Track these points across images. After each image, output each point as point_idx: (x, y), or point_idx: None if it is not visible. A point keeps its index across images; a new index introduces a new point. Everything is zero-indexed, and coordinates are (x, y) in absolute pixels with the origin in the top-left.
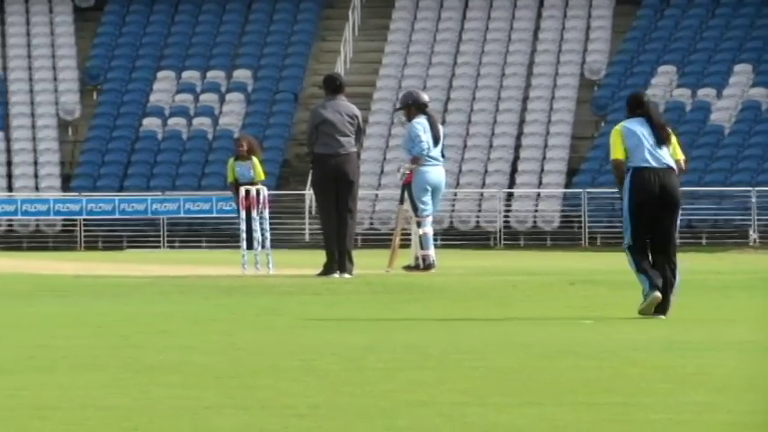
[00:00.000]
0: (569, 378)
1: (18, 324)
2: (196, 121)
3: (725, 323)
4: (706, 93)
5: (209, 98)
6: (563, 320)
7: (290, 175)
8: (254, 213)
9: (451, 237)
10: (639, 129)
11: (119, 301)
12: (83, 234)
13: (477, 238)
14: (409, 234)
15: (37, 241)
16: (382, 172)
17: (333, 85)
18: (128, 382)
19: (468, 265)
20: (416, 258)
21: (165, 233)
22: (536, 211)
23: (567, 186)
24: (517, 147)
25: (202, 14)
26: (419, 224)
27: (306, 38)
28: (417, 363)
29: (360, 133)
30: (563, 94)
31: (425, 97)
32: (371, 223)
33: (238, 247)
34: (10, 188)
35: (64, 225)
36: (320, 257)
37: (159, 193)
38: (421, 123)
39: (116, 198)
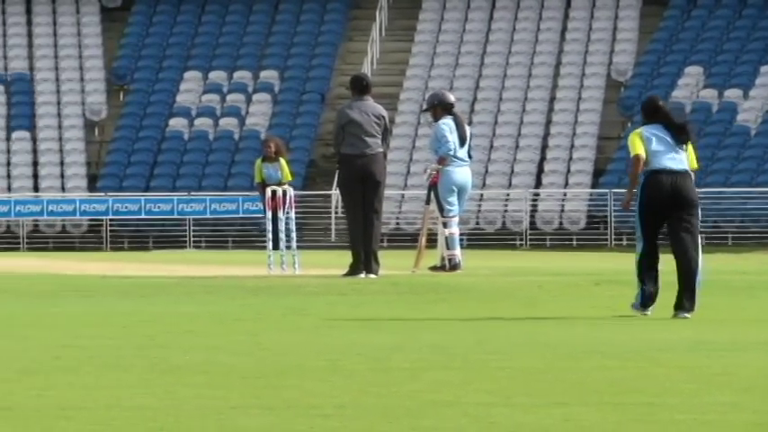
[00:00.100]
0: (595, 378)
1: (44, 324)
2: (223, 121)
3: (750, 323)
4: (732, 93)
5: (235, 98)
6: (589, 321)
7: (316, 175)
8: (281, 214)
9: (478, 237)
10: (659, 134)
11: (144, 301)
12: (109, 234)
13: (503, 239)
14: (435, 235)
15: (63, 241)
16: (409, 172)
17: (359, 86)
18: (153, 382)
19: (494, 265)
20: (442, 259)
21: (192, 233)
22: (562, 211)
23: (593, 187)
24: (544, 147)
25: (229, 15)
26: (445, 225)
27: (333, 38)
28: (443, 363)
29: (387, 134)
30: (590, 95)
31: (451, 98)
32: (397, 224)
33: (264, 247)
34: (36, 188)
35: (90, 225)
36: (346, 258)
37: (185, 194)
38: (447, 124)
39: (142, 198)
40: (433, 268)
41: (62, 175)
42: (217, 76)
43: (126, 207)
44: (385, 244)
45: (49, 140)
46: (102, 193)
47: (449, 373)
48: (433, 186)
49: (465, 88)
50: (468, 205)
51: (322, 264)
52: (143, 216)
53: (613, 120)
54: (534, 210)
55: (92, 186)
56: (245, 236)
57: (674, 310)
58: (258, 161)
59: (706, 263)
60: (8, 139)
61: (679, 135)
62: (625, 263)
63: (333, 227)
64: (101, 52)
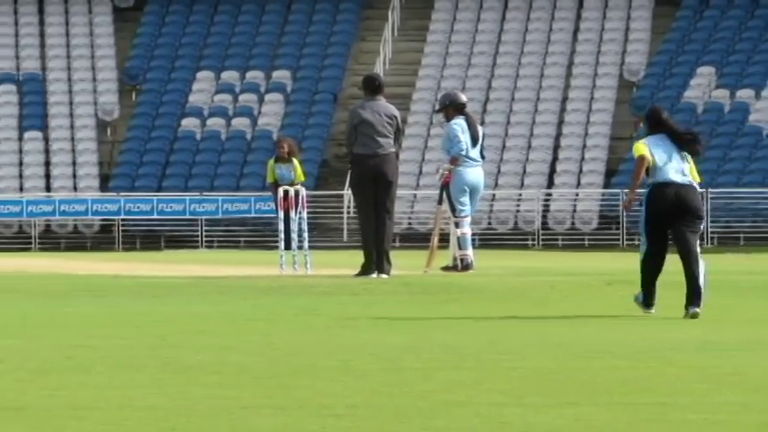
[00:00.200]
0: (606, 378)
1: (56, 324)
2: (235, 121)
3: (761, 323)
4: (745, 94)
5: (248, 98)
6: (600, 321)
7: (328, 175)
8: (293, 214)
9: (490, 237)
10: (663, 145)
11: (157, 301)
12: (121, 234)
13: (515, 239)
14: (447, 235)
15: (75, 241)
16: (421, 172)
17: (372, 86)
18: (166, 382)
19: (506, 265)
20: (454, 259)
21: (204, 233)
22: (574, 211)
23: (605, 187)
24: (556, 147)
25: (242, 15)
26: (457, 225)
27: (345, 38)
28: (455, 363)
29: (399, 134)
30: (602, 95)
31: (463, 98)
32: (410, 224)
33: (276, 247)
34: (48, 188)
35: (102, 225)
36: (358, 258)
37: (197, 194)
38: (459, 124)
39: (154, 198)
40: (445, 268)
41: (74, 175)
42: (229, 76)
43: (138, 207)
44: (397, 244)
45: (62, 140)
46: (115, 193)
47: (461, 373)
48: (445, 186)
49: (477, 88)
50: (480, 205)
51: (334, 264)
52: (155, 216)
53: (625, 120)
54: (546, 210)
55: (104, 186)
56: (258, 236)
57: (684, 309)
58: (271, 161)
59: (718, 263)
60: (20, 139)
61: (683, 144)
62: (637, 263)
63: (345, 227)
64: (113, 52)
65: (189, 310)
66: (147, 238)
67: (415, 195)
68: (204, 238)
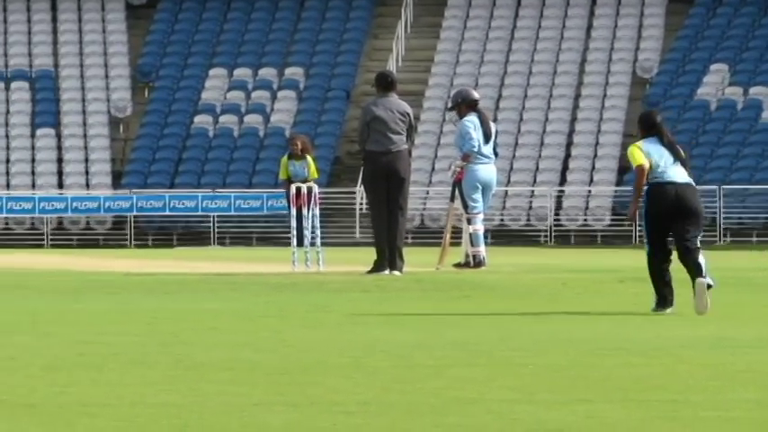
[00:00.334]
0: (619, 375)
1: (68, 321)
2: (248, 118)
3: None
4: (758, 91)
5: (260, 96)
6: (613, 318)
7: (341, 172)
8: (305, 211)
9: (502, 234)
10: (656, 148)
11: (168, 298)
12: (133, 231)
13: (527, 236)
14: (460, 231)
15: (87, 238)
16: (433, 169)
17: (384, 83)
18: (177, 379)
19: (519, 262)
20: (467, 256)
21: (216, 230)
22: (587, 208)
23: (617, 184)
24: (568, 144)
25: (255, 12)
26: (469, 221)
27: (358, 35)
28: (467, 360)
29: (412, 131)
30: (615, 92)
31: (475, 95)
32: (422, 221)
33: (289, 244)
34: (61, 185)
35: (114, 222)
36: (371, 255)
37: (210, 191)
38: (471, 121)
39: (167, 195)
40: (458, 265)
41: (86, 172)
42: (242, 72)
43: (150, 204)
44: (409, 241)
45: (74, 137)
46: (127, 190)
47: (472, 370)
48: (457, 183)
49: (490, 85)
50: (492, 202)
51: (346, 261)
52: (167, 213)
53: (638, 117)
54: (559, 206)
55: (116, 183)
56: (270, 233)
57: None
58: (284, 158)
59: (731, 259)
60: (33, 135)
61: (674, 151)
62: None
63: (357, 224)
64: (126, 49)
65: (201, 307)
66: (160, 235)
67: (427, 192)
68: (216, 235)
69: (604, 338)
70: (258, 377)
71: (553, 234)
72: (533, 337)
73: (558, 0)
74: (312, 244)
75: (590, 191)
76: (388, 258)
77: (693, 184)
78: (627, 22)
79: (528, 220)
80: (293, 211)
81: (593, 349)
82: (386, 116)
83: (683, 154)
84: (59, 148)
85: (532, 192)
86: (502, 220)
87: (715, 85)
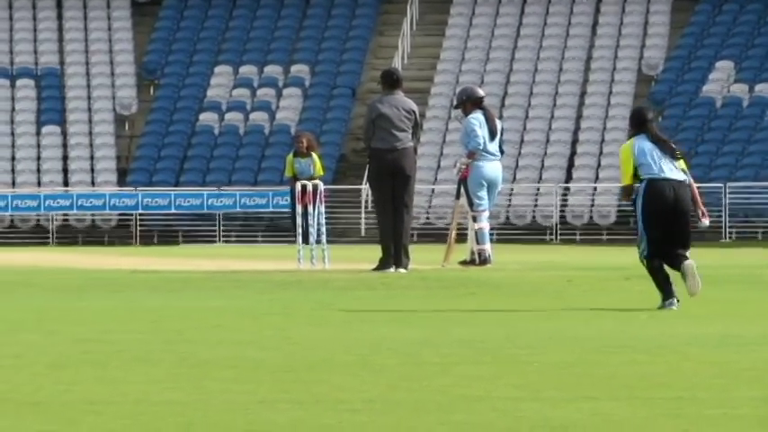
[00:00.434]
0: (624, 373)
1: (72, 318)
2: (253, 116)
3: None
4: (763, 88)
5: (266, 93)
6: (618, 315)
7: (346, 169)
8: (311, 208)
9: (508, 231)
10: (647, 145)
11: (173, 295)
12: (138, 229)
13: (533, 233)
14: (465, 229)
15: (92, 236)
16: (439, 167)
17: (390, 80)
18: (182, 376)
19: (524, 259)
20: (472, 253)
21: (221, 228)
22: (592, 205)
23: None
24: (574, 141)
25: (260, 9)
26: (475, 219)
27: (364, 33)
28: (473, 357)
29: (417, 128)
30: (620, 90)
31: (480, 92)
32: (428, 218)
33: (294, 241)
34: (66, 183)
35: (119, 220)
36: (376, 252)
37: (215, 188)
38: (477, 118)
39: (172, 193)
40: (463, 263)
41: (92, 170)
42: (247, 70)
43: (156, 201)
44: (415, 238)
45: (79, 135)
46: (132, 188)
47: (478, 368)
48: (462, 181)
49: (496, 83)
50: (498, 200)
51: (352, 258)
52: (173, 210)
53: None
54: (564, 204)
55: (121, 181)
56: (275, 230)
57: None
58: (290, 156)
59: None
60: (38, 133)
61: (663, 147)
62: None
63: (363, 221)
64: (131, 47)
65: (205, 305)
66: (165, 233)
67: (432, 190)
68: (222, 233)
69: (610, 336)
70: (263, 375)
71: (559, 232)
72: (539, 335)
73: None
74: (318, 241)
75: (596, 188)
76: (394, 256)
77: (686, 179)
78: (632, 20)
79: (533, 217)
80: (299, 209)
81: (598, 347)
82: (391, 113)
83: (674, 150)
84: (65, 145)
85: (538, 189)
86: (507, 217)
87: (720, 82)
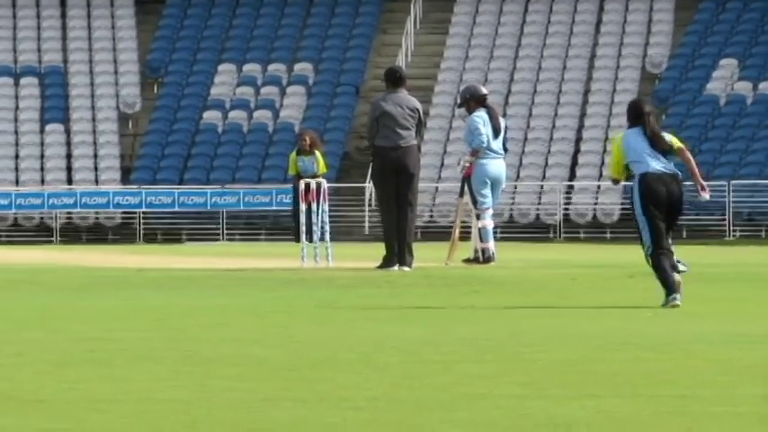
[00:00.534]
0: (628, 370)
1: (76, 317)
2: (257, 114)
3: None
4: (767, 86)
5: (269, 91)
6: (622, 313)
7: (350, 167)
8: (314, 206)
9: (511, 229)
10: (639, 139)
11: (177, 293)
12: (142, 227)
13: (536, 231)
14: (469, 227)
15: (96, 234)
16: (442, 165)
17: (394, 78)
18: (186, 374)
19: (528, 257)
20: (476, 251)
21: (225, 226)
22: (596, 203)
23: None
24: (578, 140)
25: (264, 7)
26: (479, 217)
27: (367, 31)
28: (476, 355)
29: (420, 126)
30: (624, 87)
31: (483, 90)
32: (431, 216)
33: (295, 239)
34: (70, 181)
35: (123, 218)
36: (380, 250)
37: (219, 186)
38: (480, 116)
39: (176, 191)
40: (467, 261)
41: (96, 168)
42: (251, 68)
43: (159, 200)
44: (418, 236)
45: (83, 133)
46: (136, 186)
47: (482, 366)
48: (466, 179)
49: (499, 81)
50: (501, 198)
51: (355, 256)
52: (176, 209)
53: None
54: (568, 202)
55: (125, 179)
56: (279, 228)
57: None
58: (293, 154)
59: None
60: (42, 131)
61: (656, 142)
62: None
63: (366, 219)
64: (135, 45)
65: (209, 303)
66: (169, 231)
67: (436, 188)
68: (225, 231)
69: (614, 334)
70: (266, 373)
71: (562, 230)
72: (543, 333)
73: None
74: (321, 239)
75: (599, 186)
76: (398, 254)
77: (678, 173)
78: (636, 18)
79: (537, 216)
80: (303, 207)
81: (602, 344)
82: (395, 111)
83: (667, 145)
84: (68, 143)
85: (542, 188)
86: (511, 216)
87: (724, 80)
